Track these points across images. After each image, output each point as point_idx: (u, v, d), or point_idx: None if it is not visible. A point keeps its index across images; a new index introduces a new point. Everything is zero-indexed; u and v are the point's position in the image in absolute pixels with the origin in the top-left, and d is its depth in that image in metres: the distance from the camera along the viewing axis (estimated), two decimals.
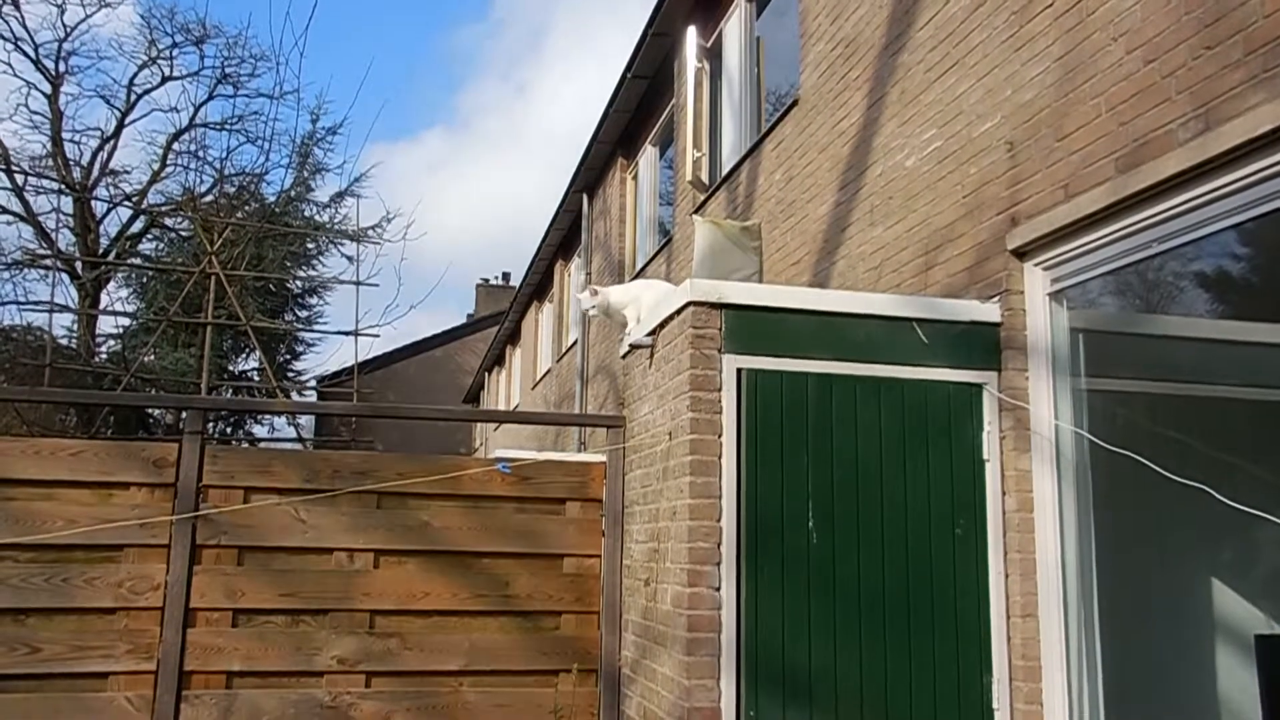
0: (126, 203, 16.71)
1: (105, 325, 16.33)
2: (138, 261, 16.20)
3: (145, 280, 16.11)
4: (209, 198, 14.53)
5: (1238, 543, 3.38)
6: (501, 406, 19.81)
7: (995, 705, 3.12)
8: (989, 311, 3.35)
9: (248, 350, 15.91)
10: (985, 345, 3.33)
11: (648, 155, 9.76)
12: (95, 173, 16.76)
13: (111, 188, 17.04)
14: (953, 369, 3.30)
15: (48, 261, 14.75)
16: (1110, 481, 3.15)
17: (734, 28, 7.12)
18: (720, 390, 3.16)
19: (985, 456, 3.26)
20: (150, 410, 14.00)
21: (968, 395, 3.30)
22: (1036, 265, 3.28)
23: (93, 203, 16.26)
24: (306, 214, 17.17)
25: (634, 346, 3.83)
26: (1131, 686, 3.20)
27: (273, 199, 15.97)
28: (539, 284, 15.54)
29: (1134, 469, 2.82)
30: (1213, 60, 2.56)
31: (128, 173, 17.55)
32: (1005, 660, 3.15)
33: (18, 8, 15.63)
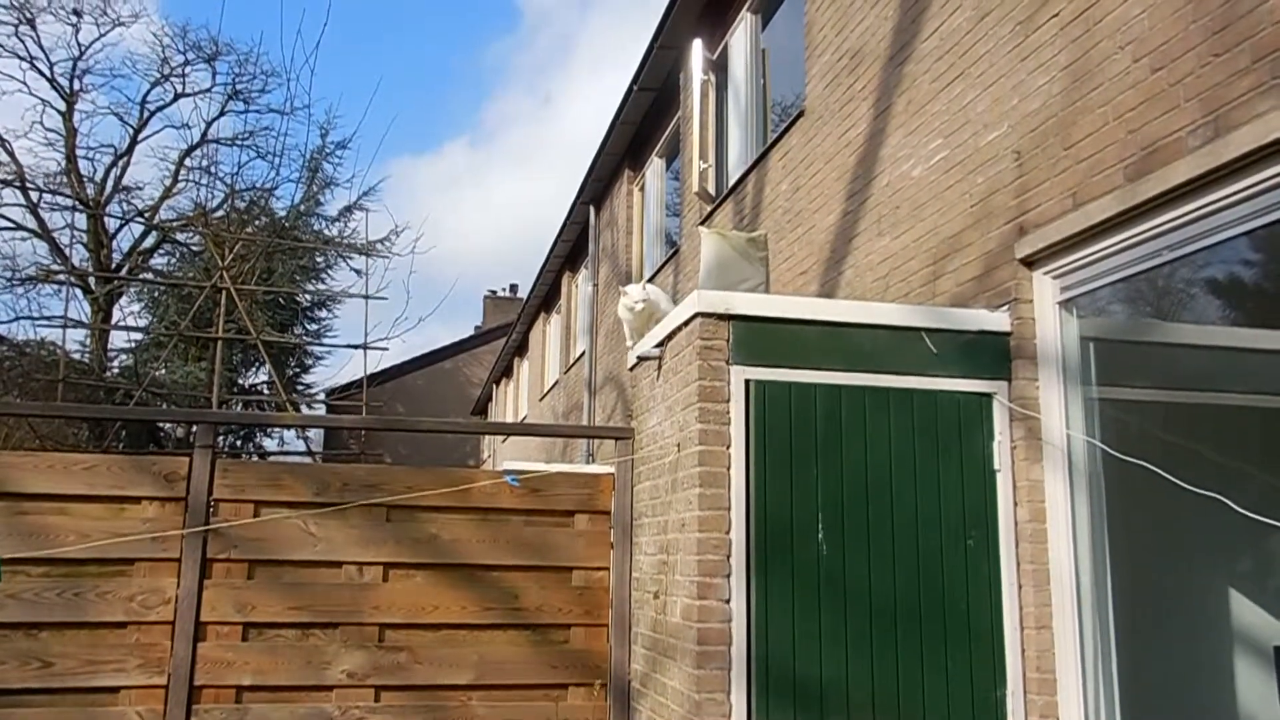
0: (139, 218, 16.89)
1: (117, 340, 16.47)
2: (150, 276, 16.34)
3: (157, 295, 16.25)
4: (220, 213, 14.67)
5: (1254, 552, 3.34)
6: (509, 418, 19.83)
7: (1010, 718, 3.08)
8: (998, 320, 3.33)
9: (258, 364, 16.01)
10: (995, 354, 3.31)
11: (654, 167, 9.79)
12: (108, 189, 16.97)
13: (124, 203, 17.24)
14: (962, 378, 3.29)
15: (61, 277, 14.90)
16: (1123, 491, 3.12)
17: (739, 40, 7.15)
18: (728, 401, 3.15)
19: (996, 466, 3.24)
20: (161, 424, 14.08)
21: (978, 405, 3.28)
22: (1046, 274, 3.27)
23: (105, 218, 16.45)
24: (316, 228, 17.31)
25: (642, 358, 3.83)
26: (1149, 698, 3.16)
27: (283, 214, 16.10)
28: (546, 295, 15.57)
29: (1147, 478, 2.80)
30: (1221, 67, 2.55)
31: (140, 189, 17.77)
32: (1019, 673, 3.12)
33: (34, 27, 15.88)
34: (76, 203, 16.07)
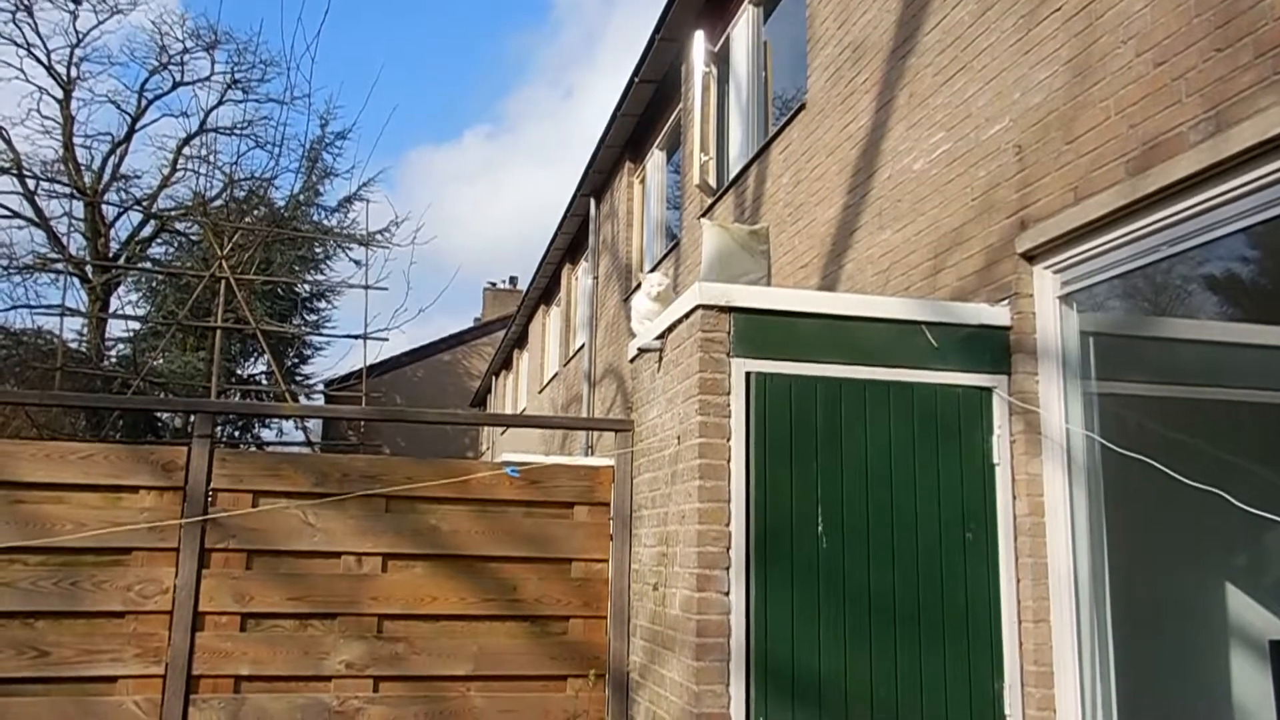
0: (137, 207, 16.83)
1: (115, 329, 16.45)
2: (148, 265, 16.30)
3: (155, 284, 16.23)
4: (219, 202, 14.61)
5: (1252, 547, 3.35)
6: (508, 410, 19.83)
7: (1007, 711, 3.10)
8: (998, 315, 3.33)
9: (256, 354, 16.00)
10: (995, 348, 3.31)
11: (655, 159, 9.76)
12: (106, 177, 16.90)
13: (122, 192, 17.17)
14: (962, 372, 3.28)
15: (59, 266, 14.87)
16: (1122, 485, 3.13)
17: (741, 32, 7.12)
18: (729, 394, 3.15)
19: (996, 460, 3.24)
20: (159, 414, 14.07)
21: (978, 399, 3.28)
22: (1046, 268, 3.26)
23: (103, 207, 16.38)
24: (315, 218, 17.26)
25: (642, 350, 3.83)
26: (1145, 692, 3.18)
27: (282, 204, 16.05)
28: (546, 287, 15.55)
29: (1146, 473, 2.80)
30: (1223, 63, 2.55)
31: (138, 177, 17.69)
32: (1017, 666, 3.13)
33: (31, 14, 15.79)
34: (74, 191, 16.00)
